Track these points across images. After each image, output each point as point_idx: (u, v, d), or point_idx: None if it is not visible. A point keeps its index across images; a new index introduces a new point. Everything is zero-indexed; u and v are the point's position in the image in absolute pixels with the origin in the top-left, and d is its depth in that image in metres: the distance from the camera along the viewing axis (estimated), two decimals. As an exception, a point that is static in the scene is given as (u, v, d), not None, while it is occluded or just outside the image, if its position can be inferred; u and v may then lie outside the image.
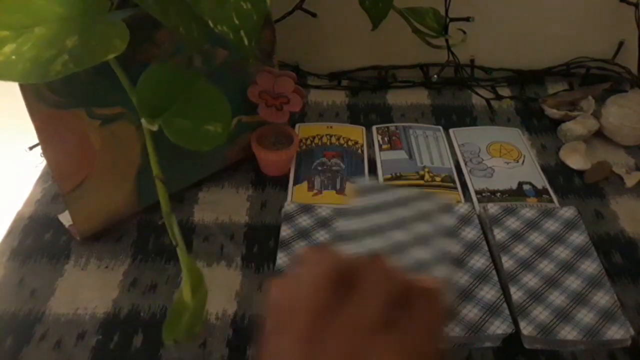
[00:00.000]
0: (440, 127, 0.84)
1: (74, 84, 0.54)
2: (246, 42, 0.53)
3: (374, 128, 0.83)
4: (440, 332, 0.33)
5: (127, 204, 0.67)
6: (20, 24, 0.46)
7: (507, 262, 0.60)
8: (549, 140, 0.82)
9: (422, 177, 0.73)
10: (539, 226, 0.64)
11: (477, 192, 0.71)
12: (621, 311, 0.56)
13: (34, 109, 0.54)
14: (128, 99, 0.52)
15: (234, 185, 0.74)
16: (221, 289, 0.61)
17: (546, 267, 0.60)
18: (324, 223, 0.66)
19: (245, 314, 0.59)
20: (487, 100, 0.89)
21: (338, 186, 0.72)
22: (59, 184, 0.60)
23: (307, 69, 0.94)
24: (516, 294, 0.57)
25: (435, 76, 0.92)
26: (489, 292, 0.58)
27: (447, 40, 0.85)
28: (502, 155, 0.78)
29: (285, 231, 0.65)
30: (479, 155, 0.78)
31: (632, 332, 0.54)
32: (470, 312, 0.56)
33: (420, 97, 0.91)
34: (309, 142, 0.80)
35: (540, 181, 0.73)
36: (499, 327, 0.54)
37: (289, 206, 0.68)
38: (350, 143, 0.80)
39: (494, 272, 0.60)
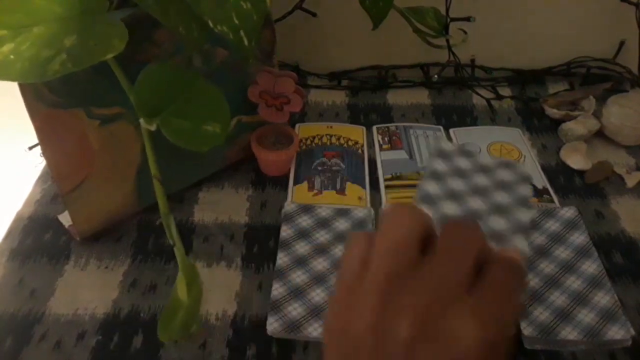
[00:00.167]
0: (441, 127, 0.83)
1: (73, 83, 0.54)
2: (246, 42, 0.53)
3: (374, 128, 0.83)
4: (517, 301, 0.32)
5: (126, 204, 0.67)
6: (19, 23, 0.46)
7: (507, 262, 0.60)
8: (549, 140, 0.82)
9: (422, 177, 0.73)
10: (539, 226, 0.64)
11: (477, 192, 0.71)
12: (622, 311, 0.56)
13: (33, 109, 0.54)
14: (127, 99, 0.52)
15: (234, 185, 0.74)
16: (221, 289, 0.61)
17: (547, 267, 0.60)
18: (324, 223, 0.66)
19: (245, 315, 0.58)
20: (488, 100, 0.89)
21: (338, 186, 0.72)
22: (59, 184, 0.60)
23: (307, 69, 0.94)
24: (517, 294, 0.57)
25: (436, 76, 0.92)
26: (489, 293, 0.57)
27: (447, 40, 0.85)
28: (502, 155, 0.78)
29: (285, 231, 0.65)
30: (479, 155, 0.78)
31: (632, 332, 0.54)
32: (471, 312, 0.56)
33: (421, 97, 0.91)
34: (309, 142, 0.79)
35: (541, 181, 0.73)
36: (500, 328, 0.54)
37: (289, 206, 0.68)
38: (350, 143, 0.80)
39: (494, 272, 0.60)
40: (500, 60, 0.94)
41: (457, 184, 0.41)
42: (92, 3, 0.49)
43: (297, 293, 0.58)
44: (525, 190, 0.41)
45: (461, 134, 0.82)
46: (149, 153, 0.53)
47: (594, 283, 0.58)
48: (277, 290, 0.59)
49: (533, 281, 0.58)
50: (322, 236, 0.65)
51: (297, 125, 0.82)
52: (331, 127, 0.83)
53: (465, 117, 0.87)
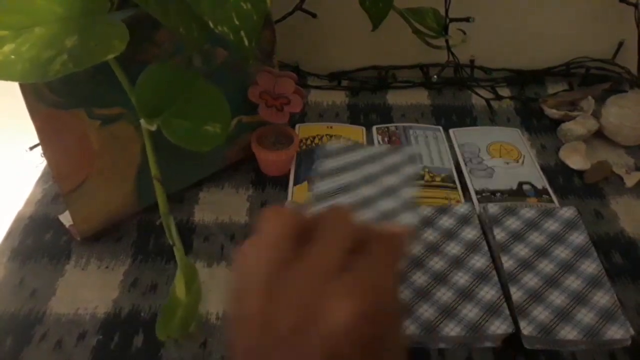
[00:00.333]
0: (440, 127, 0.84)
1: (74, 84, 0.54)
2: (246, 42, 0.53)
3: (374, 128, 0.83)
4: (396, 268, 0.33)
5: (127, 204, 0.67)
6: (19, 23, 0.46)
7: (507, 262, 0.60)
8: (549, 141, 0.82)
9: (422, 177, 0.73)
10: (539, 226, 0.64)
11: (477, 192, 0.71)
12: (621, 311, 0.56)
13: (34, 109, 0.54)
14: (128, 100, 0.52)
15: (234, 185, 0.74)
16: (221, 289, 0.61)
17: (546, 267, 0.60)
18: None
19: (245, 314, 0.58)
20: (487, 101, 0.89)
21: (338, 186, 0.72)
22: (59, 184, 0.60)
23: (307, 69, 0.94)
24: (516, 294, 0.57)
25: (435, 76, 0.93)
26: (489, 292, 0.57)
27: (447, 41, 0.86)
28: (502, 156, 0.78)
29: (285, 231, 0.65)
30: (479, 156, 0.78)
31: (632, 332, 0.54)
32: (470, 312, 0.56)
33: (420, 97, 0.91)
34: (309, 142, 0.80)
35: (540, 181, 0.73)
36: (499, 327, 0.54)
37: (289, 206, 0.68)
38: (350, 143, 0.80)
39: (494, 272, 0.60)
40: (500, 60, 0.95)
41: (347, 177, 0.43)
42: (93, 4, 0.49)
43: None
44: (413, 169, 0.43)
45: (461, 134, 0.82)
46: (149, 153, 0.53)
47: (593, 283, 0.58)
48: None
49: (533, 281, 0.58)
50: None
51: (297, 126, 0.82)
52: (331, 127, 0.83)
53: (464, 117, 0.87)
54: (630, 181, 0.74)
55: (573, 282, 0.58)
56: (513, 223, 0.65)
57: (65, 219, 0.67)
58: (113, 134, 0.61)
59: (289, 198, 0.71)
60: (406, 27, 0.78)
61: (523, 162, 0.76)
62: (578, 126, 0.80)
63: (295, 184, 0.73)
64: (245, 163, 0.76)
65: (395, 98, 0.91)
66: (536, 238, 0.63)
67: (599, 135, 0.81)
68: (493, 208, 0.66)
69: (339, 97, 0.91)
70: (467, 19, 0.82)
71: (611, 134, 0.81)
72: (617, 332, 0.54)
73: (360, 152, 0.45)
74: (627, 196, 0.73)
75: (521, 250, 0.61)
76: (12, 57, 0.45)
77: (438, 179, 0.74)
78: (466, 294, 0.57)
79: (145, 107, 0.52)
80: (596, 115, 0.82)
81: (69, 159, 0.59)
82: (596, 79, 0.92)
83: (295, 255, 0.32)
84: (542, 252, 0.61)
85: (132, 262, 0.64)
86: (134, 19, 0.52)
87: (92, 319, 0.58)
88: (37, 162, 0.77)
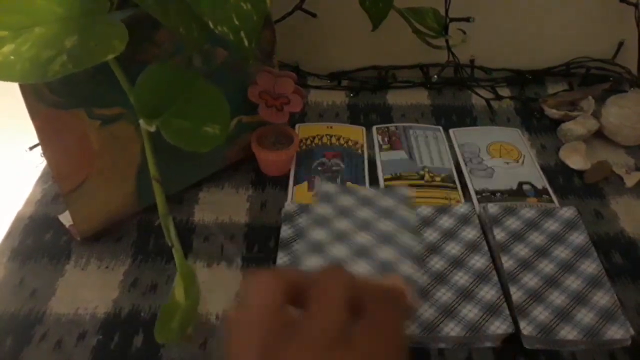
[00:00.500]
0: (440, 127, 0.84)
1: (73, 84, 0.54)
2: (246, 42, 0.53)
3: (374, 128, 0.83)
4: (399, 331, 0.32)
5: (127, 204, 0.67)
6: (19, 24, 0.46)
7: (507, 262, 0.60)
8: (549, 141, 0.82)
9: (422, 177, 0.73)
10: (539, 226, 0.64)
11: (477, 192, 0.71)
12: (621, 311, 0.56)
13: (34, 109, 0.54)
14: (128, 100, 0.52)
15: (234, 185, 0.74)
16: (221, 289, 0.61)
17: (546, 267, 0.60)
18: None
19: (245, 314, 0.58)
20: (487, 101, 0.89)
21: (338, 186, 0.72)
22: (59, 184, 0.60)
23: (307, 69, 0.94)
24: (516, 294, 0.57)
25: (435, 76, 0.93)
26: (489, 292, 0.58)
27: (447, 41, 0.86)
28: (502, 156, 0.78)
29: (285, 231, 0.65)
30: (479, 156, 0.78)
31: (632, 332, 0.54)
32: (470, 312, 0.56)
33: (420, 97, 0.91)
34: (309, 142, 0.80)
35: (540, 181, 0.73)
36: (499, 327, 0.54)
37: (289, 206, 0.68)
38: (350, 143, 0.80)
39: (494, 272, 0.60)
40: (500, 60, 0.95)
41: (342, 224, 0.42)
42: (92, 4, 0.49)
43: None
44: (407, 212, 0.42)
45: (461, 134, 0.82)
46: (148, 154, 0.53)
47: (593, 283, 0.58)
48: (277, 290, 0.59)
49: (533, 281, 0.58)
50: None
51: (297, 126, 0.82)
52: (331, 127, 0.83)
53: (464, 117, 0.87)
54: (630, 181, 0.74)
55: (573, 282, 0.58)
56: (513, 223, 0.65)
57: (65, 219, 0.67)
58: (113, 134, 0.61)
59: (289, 198, 0.71)
60: (406, 27, 0.78)
61: (523, 162, 0.76)
62: (578, 126, 0.80)
63: (295, 184, 0.73)
64: (245, 163, 0.76)
65: (395, 98, 0.91)
66: (536, 238, 0.63)
67: (599, 135, 0.81)
68: (493, 208, 0.66)
69: (339, 97, 0.91)
70: (467, 19, 0.82)
71: (611, 134, 0.81)
72: (617, 332, 0.54)
73: (354, 195, 0.45)
74: (627, 196, 0.73)
75: (521, 250, 0.61)
76: (12, 57, 0.45)
77: (438, 179, 0.74)
78: (466, 294, 0.57)
79: (144, 108, 0.52)
80: (596, 115, 0.82)
81: (69, 159, 0.59)
82: (596, 79, 0.92)
83: (289, 327, 0.30)
84: (542, 252, 0.61)
85: (132, 262, 0.64)
86: (133, 19, 0.52)
87: (92, 319, 0.58)
88: (37, 162, 0.77)
